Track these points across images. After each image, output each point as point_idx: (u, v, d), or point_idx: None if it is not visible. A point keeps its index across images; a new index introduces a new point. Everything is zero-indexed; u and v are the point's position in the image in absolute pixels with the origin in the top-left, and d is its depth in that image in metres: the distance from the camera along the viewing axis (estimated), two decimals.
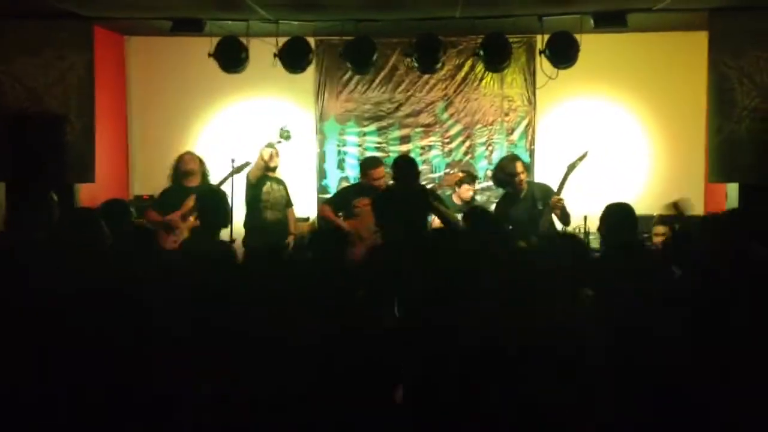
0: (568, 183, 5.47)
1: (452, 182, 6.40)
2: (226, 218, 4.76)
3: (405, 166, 5.53)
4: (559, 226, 5.69)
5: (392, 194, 5.61)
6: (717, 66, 6.01)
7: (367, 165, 6.08)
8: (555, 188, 5.49)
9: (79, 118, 6.35)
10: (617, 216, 4.15)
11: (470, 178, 6.60)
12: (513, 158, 5.80)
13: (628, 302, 3.03)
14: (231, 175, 5.99)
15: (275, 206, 6.24)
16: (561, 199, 5.41)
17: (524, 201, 5.57)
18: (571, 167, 5.48)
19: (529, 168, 6.99)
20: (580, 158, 5.51)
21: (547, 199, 5.47)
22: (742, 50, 5.95)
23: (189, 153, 6.19)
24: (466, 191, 6.51)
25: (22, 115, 6.20)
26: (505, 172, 5.62)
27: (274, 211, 6.24)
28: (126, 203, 4.88)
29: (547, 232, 5.31)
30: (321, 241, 3.99)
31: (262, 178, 6.21)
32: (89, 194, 6.44)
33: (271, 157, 6.19)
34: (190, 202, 5.59)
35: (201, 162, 6.08)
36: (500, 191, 6.07)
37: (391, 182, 5.77)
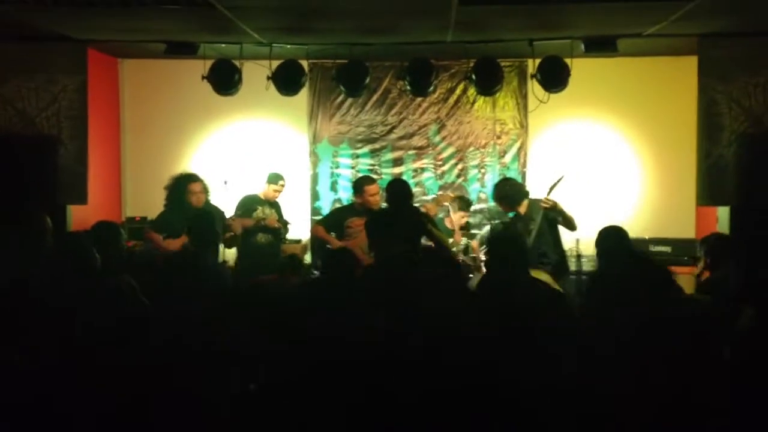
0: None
1: (445, 200, 6.23)
2: (216, 238, 4.75)
3: (398, 188, 5.56)
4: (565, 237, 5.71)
5: (385, 216, 5.64)
6: (706, 91, 6.06)
7: (362, 182, 6.12)
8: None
9: (72, 140, 6.34)
10: (613, 238, 4.26)
11: (465, 203, 6.51)
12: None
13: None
14: None
15: (267, 229, 6.23)
16: (548, 200, 5.41)
17: (522, 219, 5.58)
18: (551, 189, 5.50)
19: None
20: (557, 181, 5.53)
21: (535, 213, 5.48)
22: (731, 75, 6.01)
23: (198, 183, 5.73)
24: (460, 218, 6.30)
25: (15, 137, 6.18)
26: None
27: (265, 234, 6.24)
28: (117, 225, 4.82)
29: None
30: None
31: (253, 203, 6.21)
32: (81, 216, 6.41)
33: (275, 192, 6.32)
34: None
35: (207, 191, 5.80)
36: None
37: (385, 205, 5.78)
